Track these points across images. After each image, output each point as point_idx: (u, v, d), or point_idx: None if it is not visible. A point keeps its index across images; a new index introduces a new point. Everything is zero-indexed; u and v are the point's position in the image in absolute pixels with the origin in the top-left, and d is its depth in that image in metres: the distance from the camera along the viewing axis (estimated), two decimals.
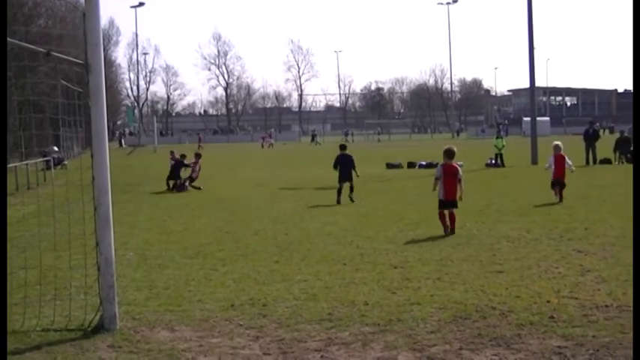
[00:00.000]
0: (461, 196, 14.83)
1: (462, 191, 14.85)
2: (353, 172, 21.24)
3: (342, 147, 22.68)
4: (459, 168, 15.14)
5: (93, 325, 7.96)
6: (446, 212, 14.55)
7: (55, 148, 43.93)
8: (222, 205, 21.12)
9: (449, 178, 14.76)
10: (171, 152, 29.96)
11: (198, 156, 28.56)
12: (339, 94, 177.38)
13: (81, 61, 8.31)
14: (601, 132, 46.02)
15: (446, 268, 10.86)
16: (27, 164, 31.53)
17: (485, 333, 7.46)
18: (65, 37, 46.98)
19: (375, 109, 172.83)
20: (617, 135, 42.18)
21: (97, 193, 8.04)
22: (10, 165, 31.33)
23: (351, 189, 21.05)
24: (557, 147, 20.64)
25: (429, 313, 8.30)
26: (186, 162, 28.05)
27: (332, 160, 22.06)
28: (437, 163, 17.67)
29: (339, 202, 20.67)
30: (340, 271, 10.99)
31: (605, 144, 39.44)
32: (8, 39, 8.22)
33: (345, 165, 21.24)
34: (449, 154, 14.98)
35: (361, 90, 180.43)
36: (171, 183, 27.07)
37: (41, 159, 35.60)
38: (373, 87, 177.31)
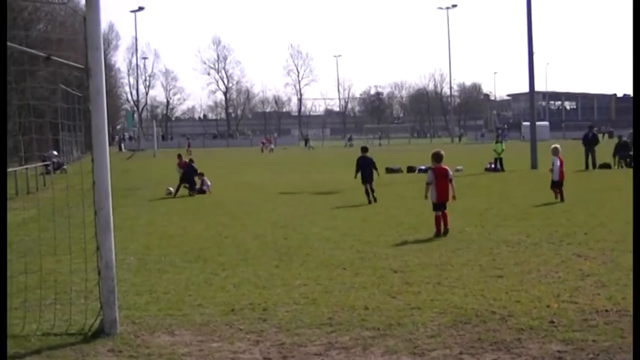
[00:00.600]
0: (454, 196, 15.11)
1: (454, 191, 15.13)
2: (374, 173, 22.22)
3: (364, 149, 23.47)
4: (448, 170, 15.38)
5: (93, 329, 7.96)
6: (440, 214, 14.77)
7: (55, 153, 43.93)
8: (222, 210, 21.12)
9: (440, 180, 15.05)
10: (179, 156, 29.61)
11: (201, 175, 27.87)
12: (339, 98, 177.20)
13: (81, 65, 8.32)
14: (600, 136, 46.01)
15: (446, 273, 10.87)
16: (27, 169, 31.51)
17: (486, 337, 7.46)
18: (65, 42, 46.98)
19: (374, 113, 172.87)
20: (616, 140, 42.23)
21: (98, 198, 8.05)
22: (9, 169, 31.33)
23: (372, 190, 21.67)
24: (557, 150, 21.60)
25: (429, 317, 8.30)
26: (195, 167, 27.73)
27: (331, 165, 22.48)
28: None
29: (369, 202, 21.50)
30: (340, 275, 11.00)
31: (605, 149, 39.48)
32: (8, 43, 8.23)
33: (365, 167, 21.95)
34: (437, 157, 15.29)
35: (360, 94, 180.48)
36: (181, 189, 26.74)
37: (41, 163, 35.58)
38: (372, 92, 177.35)
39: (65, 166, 42.23)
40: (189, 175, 27.11)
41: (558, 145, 22.39)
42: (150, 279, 11.02)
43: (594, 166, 36.46)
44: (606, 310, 8.44)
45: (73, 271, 10.09)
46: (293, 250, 13.38)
